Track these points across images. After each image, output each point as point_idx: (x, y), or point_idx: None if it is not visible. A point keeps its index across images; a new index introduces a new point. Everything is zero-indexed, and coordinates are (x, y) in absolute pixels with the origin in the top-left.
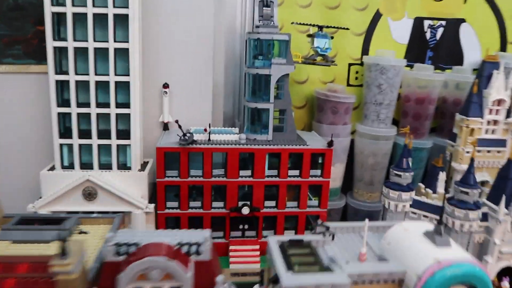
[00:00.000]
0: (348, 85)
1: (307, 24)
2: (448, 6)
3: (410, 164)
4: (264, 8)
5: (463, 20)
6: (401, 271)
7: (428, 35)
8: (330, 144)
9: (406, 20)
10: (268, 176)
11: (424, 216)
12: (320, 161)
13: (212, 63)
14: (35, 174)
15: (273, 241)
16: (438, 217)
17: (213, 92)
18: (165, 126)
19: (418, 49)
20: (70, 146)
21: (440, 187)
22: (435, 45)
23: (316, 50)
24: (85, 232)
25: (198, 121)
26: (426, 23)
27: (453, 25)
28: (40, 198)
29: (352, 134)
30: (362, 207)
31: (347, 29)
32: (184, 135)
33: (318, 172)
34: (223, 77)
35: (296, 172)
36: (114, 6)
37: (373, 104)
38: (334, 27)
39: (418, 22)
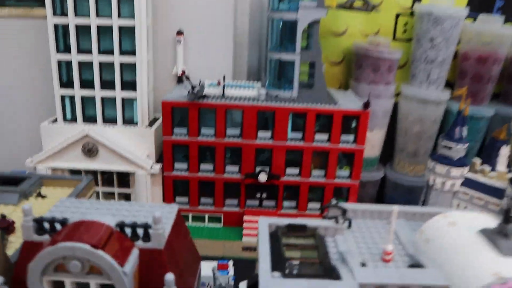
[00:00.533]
0: (394, 39)
1: None
2: None
3: (465, 134)
4: None
5: None
6: (442, 285)
7: None
8: (367, 105)
9: None
10: (291, 140)
11: (478, 198)
12: (354, 124)
13: (234, 7)
14: (38, 126)
15: (264, 224)
16: (496, 201)
17: (235, 41)
18: (179, 79)
19: None
20: (72, 98)
21: (501, 164)
22: None
23: None
24: (43, 196)
25: (217, 75)
26: None
27: None
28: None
29: (396, 96)
30: (403, 181)
31: None
32: (193, 88)
33: (351, 137)
34: (248, 24)
35: (325, 137)
36: None
37: (423, 62)
38: None
39: None
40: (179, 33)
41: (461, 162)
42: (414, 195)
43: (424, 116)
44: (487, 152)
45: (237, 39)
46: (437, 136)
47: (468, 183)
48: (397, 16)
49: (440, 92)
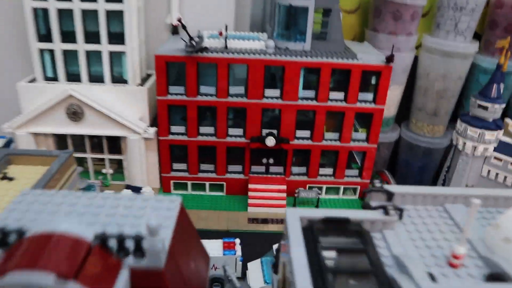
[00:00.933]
0: None
1: None
2: None
3: (502, 91)
4: None
5: None
6: None
7: None
8: (390, 59)
9: None
10: (302, 99)
11: None
12: (373, 82)
13: None
14: (13, 86)
15: (294, 218)
16: None
17: None
18: (174, 29)
19: None
20: (52, 53)
21: None
22: None
23: None
24: (10, 178)
25: (216, 25)
26: None
27: None
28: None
29: (416, 49)
30: (419, 142)
31: None
32: (191, 39)
33: (370, 96)
34: None
35: (340, 95)
36: None
37: (451, 9)
38: None
39: None
40: None
41: (496, 125)
42: (431, 157)
43: (448, 72)
44: None
45: None
46: (461, 95)
47: (502, 148)
48: None
49: (468, 43)
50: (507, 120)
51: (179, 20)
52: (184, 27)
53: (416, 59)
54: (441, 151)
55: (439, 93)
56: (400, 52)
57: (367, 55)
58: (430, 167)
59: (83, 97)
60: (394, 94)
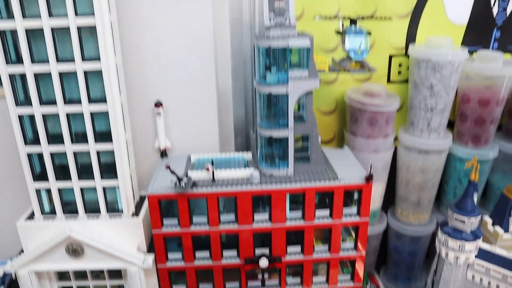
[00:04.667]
0: (389, 81)
1: (333, 18)
2: None
3: (476, 200)
4: (276, 0)
5: None
6: None
7: (495, 10)
8: (369, 178)
9: None
10: (290, 220)
11: (495, 271)
12: (356, 196)
13: (214, 69)
14: (13, 219)
15: None
16: None
17: (219, 100)
18: (163, 153)
19: (481, 29)
20: (48, 190)
21: None
22: (504, 23)
23: (349, 55)
24: None
25: (202, 142)
26: None
27: None
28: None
29: (395, 141)
30: (407, 231)
31: (389, 19)
32: (180, 180)
33: (354, 210)
34: (231, 81)
35: (326, 212)
36: (76, 14)
37: (422, 110)
38: (370, 17)
39: None
40: (158, 104)
41: (475, 235)
42: (419, 244)
43: (426, 166)
44: (497, 211)
45: (222, 99)
46: (441, 183)
47: (483, 255)
48: (391, 57)
49: (442, 139)
50: (486, 218)
51: (168, 167)
52: (172, 172)
53: (395, 151)
54: (428, 236)
55: (420, 185)
56: (379, 153)
57: (348, 171)
58: (419, 252)
59: (82, 236)
60: (377, 189)
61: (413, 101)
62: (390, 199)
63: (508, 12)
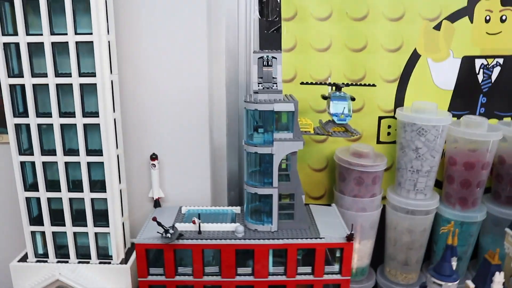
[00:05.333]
0: (378, 142)
1: (317, 84)
2: (507, 40)
3: (455, 263)
4: (264, 67)
5: None
6: None
7: (480, 77)
8: (350, 238)
9: (452, 60)
10: (272, 274)
11: None
12: (338, 254)
13: (208, 126)
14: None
15: None
16: None
17: (214, 155)
18: (156, 203)
19: (467, 95)
20: (42, 233)
21: None
22: (489, 89)
23: (333, 119)
24: None
25: (194, 194)
26: (478, 62)
27: None
28: None
29: (383, 199)
30: None
31: (374, 85)
32: (166, 231)
33: (336, 268)
34: (226, 137)
35: (308, 269)
36: (79, 75)
37: (408, 171)
38: (356, 85)
39: (467, 62)
40: (153, 157)
41: None
42: None
43: (413, 227)
44: (480, 275)
45: (217, 153)
46: (429, 243)
47: None
48: (380, 118)
49: (428, 201)
50: (468, 283)
51: (154, 219)
52: (159, 223)
53: (384, 210)
54: None
55: (407, 245)
56: (366, 212)
57: (331, 229)
58: None
59: (70, 280)
60: (365, 247)
61: (400, 162)
62: (380, 257)
63: (493, 79)
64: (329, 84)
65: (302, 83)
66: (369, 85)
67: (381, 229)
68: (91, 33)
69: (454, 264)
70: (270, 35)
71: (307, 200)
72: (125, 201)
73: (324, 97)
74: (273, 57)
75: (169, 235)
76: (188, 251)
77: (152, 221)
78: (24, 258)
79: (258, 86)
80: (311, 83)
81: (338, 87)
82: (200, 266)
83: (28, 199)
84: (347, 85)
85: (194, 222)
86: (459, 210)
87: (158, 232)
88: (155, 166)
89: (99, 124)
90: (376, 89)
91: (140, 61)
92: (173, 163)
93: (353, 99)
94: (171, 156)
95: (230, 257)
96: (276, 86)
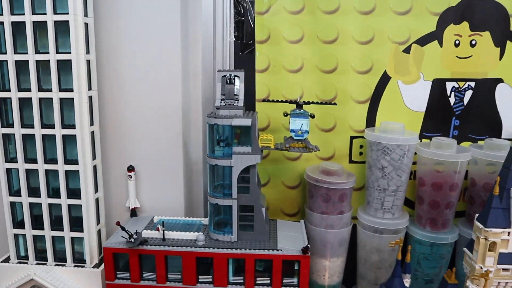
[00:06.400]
0: (351, 162)
1: (278, 101)
2: (478, 64)
3: (408, 280)
4: (227, 85)
5: (500, 80)
6: None
7: (452, 99)
8: (305, 250)
9: (423, 83)
10: (231, 284)
11: None
12: (296, 267)
13: (182, 142)
14: None
15: None
16: None
17: (191, 169)
18: (133, 212)
19: (439, 117)
20: (24, 236)
21: None
22: (462, 112)
23: (291, 135)
24: None
25: (169, 205)
26: (449, 85)
27: (486, 86)
28: None
29: (355, 219)
30: None
31: (335, 104)
32: (131, 236)
33: (294, 280)
34: (202, 152)
35: (267, 280)
36: (60, 90)
37: (376, 190)
38: (316, 103)
39: (438, 85)
40: (130, 169)
41: None
42: None
43: (382, 246)
44: None
45: (194, 167)
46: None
47: None
48: (352, 138)
49: (397, 220)
50: None
51: (118, 224)
52: (122, 228)
53: (355, 229)
54: None
55: (376, 264)
56: (334, 229)
57: (291, 242)
58: None
59: (44, 281)
60: (335, 265)
61: (368, 181)
62: (353, 276)
63: (466, 102)
64: (290, 102)
65: (264, 101)
66: (329, 103)
67: (355, 248)
68: (70, 52)
69: (406, 281)
70: (244, 56)
71: (281, 216)
72: (101, 209)
73: (286, 114)
74: (235, 76)
75: (132, 239)
76: (154, 257)
77: (130, 219)
78: (7, 260)
79: (221, 102)
80: (272, 101)
81: (298, 105)
82: (163, 271)
83: (12, 204)
84: (307, 103)
85: (158, 230)
86: (429, 231)
87: (122, 236)
88: (131, 177)
89: (75, 135)
90: (348, 109)
91: (120, 79)
92: (149, 175)
93: (312, 116)
94: (147, 168)
95: (191, 265)
96: (237, 102)
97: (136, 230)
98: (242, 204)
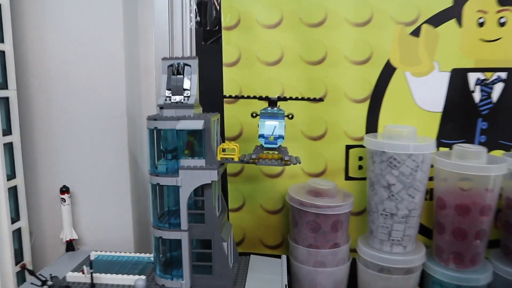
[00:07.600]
0: (348, 178)
1: (244, 97)
2: (510, 48)
3: None
4: (173, 76)
5: None
6: None
7: (477, 95)
8: None
9: (438, 74)
10: None
11: None
12: None
13: (128, 156)
14: None
15: None
16: None
17: (143, 191)
18: (68, 246)
19: (461, 119)
20: None
21: None
22: (491, 111)
23: (260, 142)
24: None
25: (115, 236)
26: (473, 77)
27: None
28: None
29: (354, 252)
30: None
31: (321, 100)
32: (44, 283)
33: None
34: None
35: None
36: None
37: (380, 215)
38: (295, 99)
39: (458, 77)
40: (63, 190)
41: None
42: None
43: None
44: None
45: (145, 187)
46: None
47: None
48: (348, 148)
49: (410, 255)
50: None
51: (22, 267)
52: (31, 273)
53: (354, 264)
54: None
55: None
56: (325, 267)
57: (260, 285)
58: None
59: None
60: None
61: (370, 203)
62: None
63: (495, 98)
64: (260, 98)
65: (224, 97)
66: (314, 99)
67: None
68: None
69: None
70: (209, 47)
71: (261, 249)
72: (25, 243)
73: (254, 115)
74: (185, 65)
75: (47, 285)
76: None
77: (65, 255)
78: None
79: (165, 100)
80: (235, 97)
81: (271, 102)
82: None
83: None
84: (283, 99)
85: (83, 272)
86: (453, 270)
87: (32, 283)
88: (65, 201)
89: None
90: (342, 110)
91: (48, 77)
92: (88, 198)
93: (290, 117)
94: (86, 189)
95: None
96: (188, 99)
97: (51, 274)
98: (196, 238)
